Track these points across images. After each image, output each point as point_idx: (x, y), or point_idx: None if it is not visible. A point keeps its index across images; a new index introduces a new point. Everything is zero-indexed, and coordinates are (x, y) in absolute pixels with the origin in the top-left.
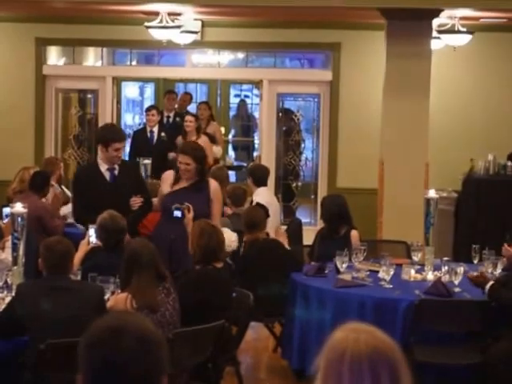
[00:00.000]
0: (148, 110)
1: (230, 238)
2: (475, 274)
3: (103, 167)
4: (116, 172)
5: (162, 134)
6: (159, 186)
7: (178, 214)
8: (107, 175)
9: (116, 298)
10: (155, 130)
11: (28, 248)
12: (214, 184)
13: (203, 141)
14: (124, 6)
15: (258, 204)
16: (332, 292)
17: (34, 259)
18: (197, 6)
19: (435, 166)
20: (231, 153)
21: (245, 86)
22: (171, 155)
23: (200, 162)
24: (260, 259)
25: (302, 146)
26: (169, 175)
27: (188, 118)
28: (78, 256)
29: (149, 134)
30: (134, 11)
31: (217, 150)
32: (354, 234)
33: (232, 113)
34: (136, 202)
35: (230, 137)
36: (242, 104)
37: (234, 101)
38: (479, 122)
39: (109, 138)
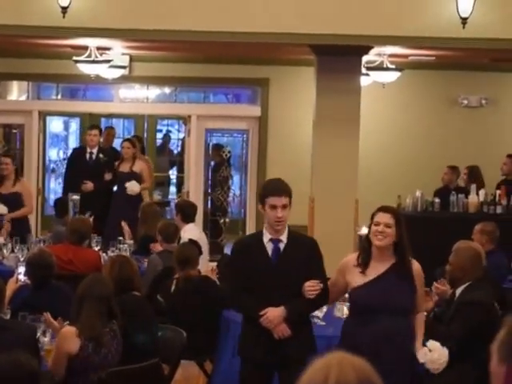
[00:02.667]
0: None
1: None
2: None
3: (266, 237)
4: (282, 245)
5: None
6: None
7: None
8: (269, 248)
9: (62, 332)
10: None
11: None
12: (416, 264)
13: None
14: (52, 40)
15: (190, 240)
16: None
17: None
18: (125, 41)
19: (363, 202)
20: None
21: (169, 121)
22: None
23: (400, 223)
24: (192, 296)
25: (230, 181)
26: (351, 260)
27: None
28: (7, 294)
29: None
30: (62, 45)
31: (134, 187)
32: None
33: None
34: (313, 288)
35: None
36: (167, 139)
37: (160, 136)
38: (407, 159)
39: (264, 193)
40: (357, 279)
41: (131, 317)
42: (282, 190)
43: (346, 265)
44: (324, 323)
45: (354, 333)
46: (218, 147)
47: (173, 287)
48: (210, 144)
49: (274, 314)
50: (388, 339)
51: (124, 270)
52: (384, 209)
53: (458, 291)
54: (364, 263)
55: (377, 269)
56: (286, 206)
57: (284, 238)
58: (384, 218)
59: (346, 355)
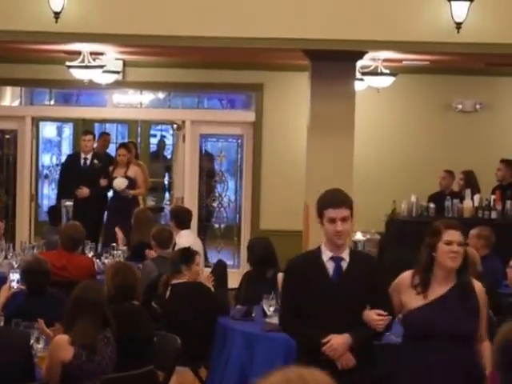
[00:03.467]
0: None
1: None
2: None
3: (326, 255)
4: (344, 263)
5: None
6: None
7: None
8: (330, 267)
9: (55, 340)
10: None
11: None
12: (478, 284)
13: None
14: (45, 45)
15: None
16: (260, 336)
17: None
18: (118, 46)
19: (358, 207)
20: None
21: (163, 126)
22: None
23: (466, 240)
24: (185, 303)
25: (225, 187)
26: (406, 279)
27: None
28: (0, 301)
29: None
30: (55, 50)
31: (120, 183)
32: (281, 276)
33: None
34: (381, 320)
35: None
36: (162, 144)
37: (153, 141)
38: (401, 163)
39: (320, 206)
40: (414, 301)
41: (128, 327)
42: (340, 201)
43: (400, 284)
44: None
45: (413, 361)
46: (213, 153)
47: (167, 293)
48: (204, 149)
49: (338, 342)
50: (455, 368)
51: (128, 277)
52: (452, 225)
53: None
54: (424, 285)
55: (437, 290)
56: (346, 219)
57: (346, 255)
58: (456, 235)
59: (305, 369)
